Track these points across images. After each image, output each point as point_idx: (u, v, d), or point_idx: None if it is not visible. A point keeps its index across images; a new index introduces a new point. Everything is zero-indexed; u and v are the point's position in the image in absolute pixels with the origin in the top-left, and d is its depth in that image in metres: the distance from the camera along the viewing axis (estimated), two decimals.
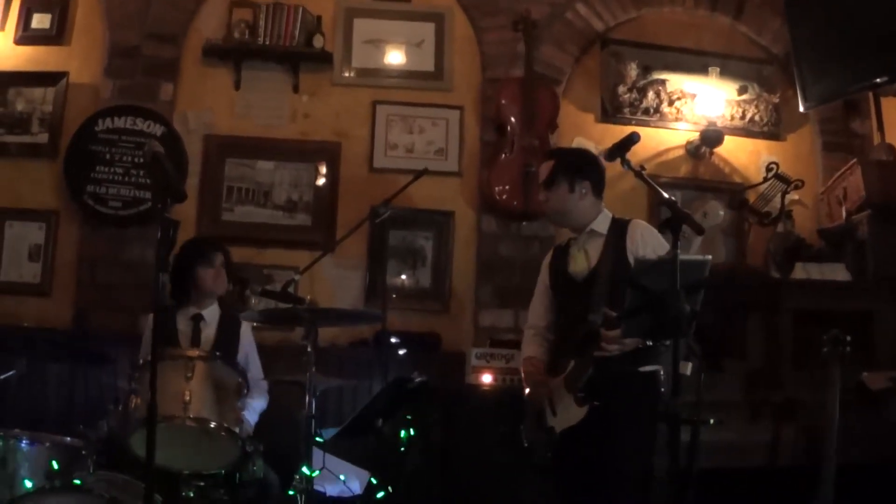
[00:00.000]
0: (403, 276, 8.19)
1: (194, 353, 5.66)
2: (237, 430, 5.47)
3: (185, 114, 8.27)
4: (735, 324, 7.26)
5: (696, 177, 8.69)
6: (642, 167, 4.86)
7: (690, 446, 5.68)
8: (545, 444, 5.39)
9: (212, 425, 5.36)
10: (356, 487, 6.61)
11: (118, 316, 7.71)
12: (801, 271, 7.60)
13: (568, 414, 5.25)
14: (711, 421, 6.02)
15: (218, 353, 5.88)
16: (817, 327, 6.23)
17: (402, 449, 6.64)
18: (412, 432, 6.67)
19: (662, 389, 5.24)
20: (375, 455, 6.75)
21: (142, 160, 7.81)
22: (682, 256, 4.36)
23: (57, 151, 8.15)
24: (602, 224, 5.58)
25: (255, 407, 6.34)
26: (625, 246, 5.39)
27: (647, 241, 5.37)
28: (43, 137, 8.21)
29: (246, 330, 6.64)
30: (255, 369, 6.55)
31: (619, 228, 5.52)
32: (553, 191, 5.59)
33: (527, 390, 5.65)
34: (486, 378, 7.05)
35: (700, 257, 4.69)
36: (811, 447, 6.39)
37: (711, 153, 8.65)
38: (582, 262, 5.57)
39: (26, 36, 8.33)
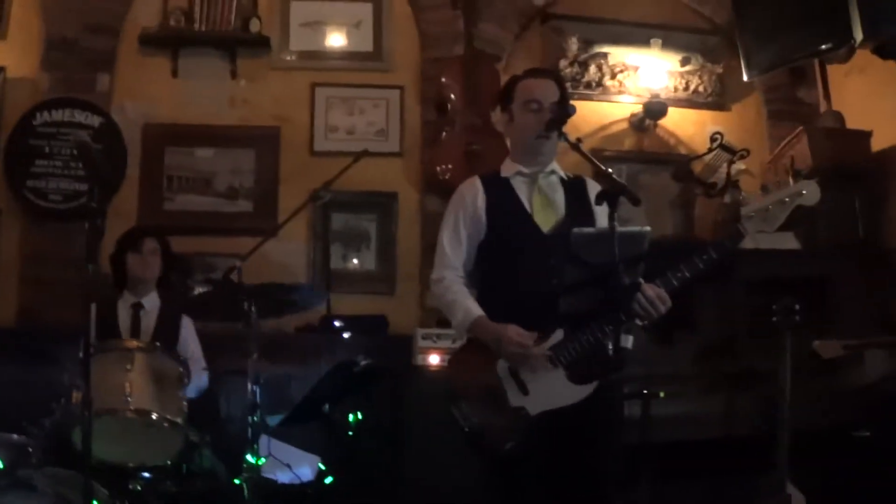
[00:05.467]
0: (348, 259, 8.13)
1: (133, 343, 5.69)
2: (180, 420, 5.46)
3: (123, 104, 8.17)
4: (685, 295, 7.21)
5: (641, 149, 8.69)
6: (579, 140, 4.74)
7: (641, 420, 5.66)
8: (508, 429, 4.58)
9: (154, 416, 5.37)
10: (306, 473, 6.58)
11: (64, 312, 7.57)
12: (750, 241, 7.53)
13: (554, 391, 4.59)
14: (661, 394, 6.03)
15: (158, 344, 5.87)
16: (770, 296, 6.20)
17: (351, 433, 6.57)
18: (360, 416, 6.59)
19: None
20: (325, 440, 6.70)
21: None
22: (621, 229, 4.22)
23: None
24: (559, 168, 5.05)
25: (193, 385, 6.31)
26: (589, 202, 4.85)
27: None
28: None
29: (186, 318, 6.66)
30: (195, 354, 6.59)
31: (575, 181, 5.03)
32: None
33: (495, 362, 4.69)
34: (434, 359, 6.98)
35: (638, 229, 4.54)
36: (768, 416, 6.35)
37: (655, 125, 8.65)
38: (547, 210, 4.92)
39: None
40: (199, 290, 7.33)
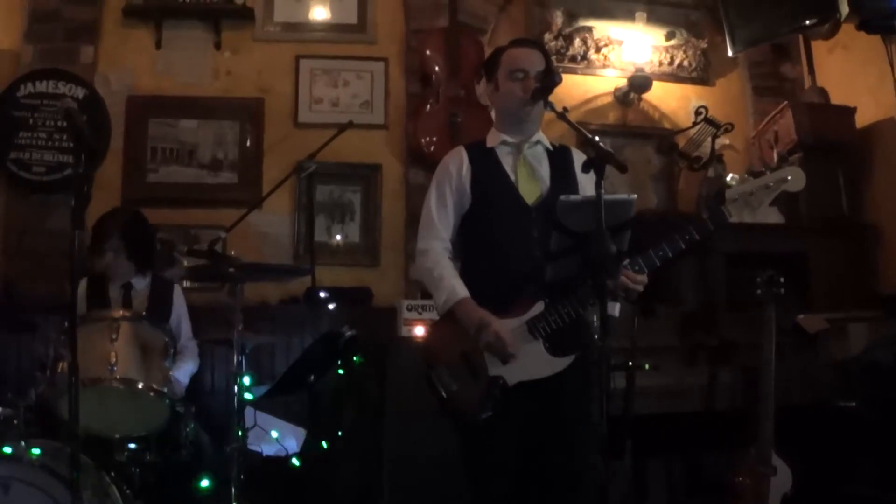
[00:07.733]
0: (332, 231, 8.12)
1: (119, 313, 5.62)
2: (165, 390, 5.46)
3: (107, 75, 8.10)
4: (668, 269, 7.20)
5: (625, 123, 8.70)
6: (565, 108, 4.71)
7: (626, 392, 5.66)
8: (485, 398, 4.58)
9: (139, 386, 5.36)
10: (292, 445, 6.61)
11: (46, 284, 7.56)
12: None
13: (533, 362, 4.60)
14: (647, 366, 6.02)
15: (143, 314, 5.83)
16: (752, 270, 6.21)
17: (336, 404, 6.57)
18: (346, 387, 6.60)
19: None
20: (310, 411, 6.71)
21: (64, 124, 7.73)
22: (607, 196, 4.19)
23: None
24: (544, 138, 5.00)
25: (185, 370, 6.30)
26: (574, 173, 4.86)
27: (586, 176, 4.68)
28: None
29: (178, 293, 6.61)
30: (186, 331, 6.54)
31: (562, 150, 4.99)
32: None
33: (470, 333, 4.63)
34: (419, 330, 6.95)
35: (625, 197, 4.51)
36: (748, 390, 6.36)
37: (640, 99, 8.67)
38: (532, 180, 4.86)
39: None
40: (186, 262, 7.31)
